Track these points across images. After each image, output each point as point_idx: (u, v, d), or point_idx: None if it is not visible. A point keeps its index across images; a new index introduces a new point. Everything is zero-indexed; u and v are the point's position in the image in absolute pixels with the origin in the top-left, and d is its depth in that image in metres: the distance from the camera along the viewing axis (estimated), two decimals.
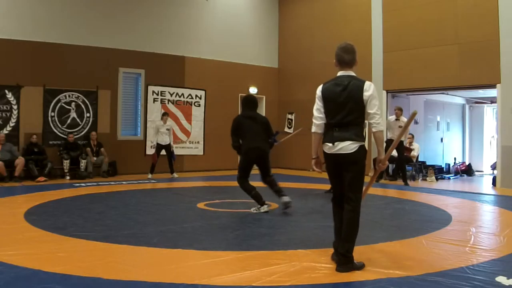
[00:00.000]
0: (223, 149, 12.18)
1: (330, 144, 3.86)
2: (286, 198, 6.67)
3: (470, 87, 11.55)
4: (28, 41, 10.83)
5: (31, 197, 8.02)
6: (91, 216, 6.27)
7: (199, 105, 13.75)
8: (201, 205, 7.30)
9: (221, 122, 12.49)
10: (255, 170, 6.75)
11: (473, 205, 7.88)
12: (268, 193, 6.82)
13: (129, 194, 8.68)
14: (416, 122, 13.25)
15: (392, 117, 11.21)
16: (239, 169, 6.71)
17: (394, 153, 10.56)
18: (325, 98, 3.91)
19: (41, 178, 10.33)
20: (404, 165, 11.00)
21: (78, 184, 9.97)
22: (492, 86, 10.54)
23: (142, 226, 5.65)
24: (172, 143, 11.84)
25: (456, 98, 15.04)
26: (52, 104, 11.27)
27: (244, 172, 6.65)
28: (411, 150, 12.06)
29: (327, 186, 8.48)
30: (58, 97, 11.36)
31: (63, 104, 11.44)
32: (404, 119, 10.85)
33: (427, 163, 12.97)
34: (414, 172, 12.05)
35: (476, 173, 14.14)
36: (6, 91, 10.65)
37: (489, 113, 15.59)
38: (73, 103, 11.57)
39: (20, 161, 10.24)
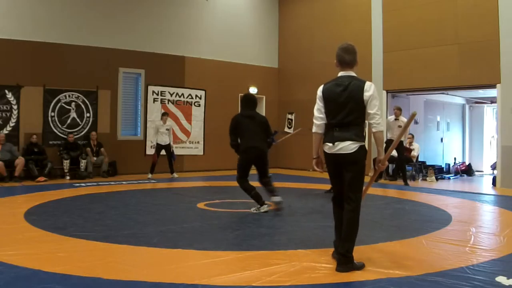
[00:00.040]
0: (223, 149, 12.15)
1: (331, 144, 3.87)
2: (277, 198, 6.64)
3: (470, 87, 11.55)
4: (28, 41, 10.83)
5: (31, 197, 8.02)
6: (91, 216, 6.27)
7: (199, 105, 13.76)
8: (201, 205, 7.30)
9: (221, 122, 12.45)
10: (254, 170, 6.75)
11: (473, 205, 7.88)
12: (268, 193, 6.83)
13: (129, 194, 8.68)
14: (416, 122, 13.25)
15: (391, 117, 11.21)
16: (238, 169, 6.68)
17: (394, 153, 10.57)
18: (325, 98, 3.92)
19: (41, 178, 10.33)
20: (404, 165, 11.00)
21: (78, 184, 9.97)
22: (492, 86, 10.53)
23: (142, 226, 5.64)
24: (172, 143, 11.83)
25: (456, 98, 15.04)
26: (52, 104, 11.27)
27: (243, 172, 6.64)
28: (411, 150, 12.06)
29: (327, 186, 8.49)
30: (58, 97, 11.36)
31: (63, 104, 11.44)
32: (403, 118, 10.85)
33: (427, 163, 12.97)
34: (414, 172, 12.05)
35: (476, 173, 14.14)
36: (6, 91, 10.65)
37: (489, 113, 15.59)
38: (73, 103, 11.57)
39: (20, 161, 10.24)
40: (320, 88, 4.00)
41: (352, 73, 3.93)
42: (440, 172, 13.01)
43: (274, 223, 5.99)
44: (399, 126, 10.64)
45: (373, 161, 4.16)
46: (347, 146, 3.80)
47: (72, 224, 5.62)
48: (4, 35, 10.54)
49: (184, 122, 13.44)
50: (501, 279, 3.55)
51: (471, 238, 5.06)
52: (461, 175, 13.65)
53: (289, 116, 14.93)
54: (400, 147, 10.66)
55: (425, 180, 11.94)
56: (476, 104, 15.73)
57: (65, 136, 11.36)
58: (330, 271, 3.76)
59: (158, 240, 4.85)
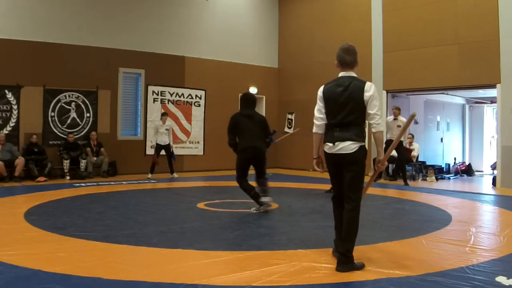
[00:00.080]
0: (223, 149, 12.12)
1: (331, 144, 3.88)
2: (266, 199, 6.60)
3: (470, 87, 11.56)
4: (28, 41, 10.83)
5: (31, 197, 8.02)
6: (91, 216, 6.27)
7: (199, 105, 13.76)
8: (201, 205, 7.30)
9: (221, 122, 12.39)
10: (253, 170, 6.74)
11: (473, 205, 7.88)
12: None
13: (129, 194, 8.68)
14: (416, 122, 13.26)
15: (390, 117, 11.21)
16: (236, 169, 6.66)
17: (394, 153, 10.57)
18: (326, 98, 3.94)
19: (41, 178, 10.33)
20: (404, 165, 11.00)
21: (78, 184, 9.97)
22: (492, 86, 10.54)
23: (142, 226, 5.64)
24: (171, 143, 11.82)
25: (456, 98, 15.04)
26: (52, 104, 11.27)
27: (242, 172, 6.62)
28: (411, 150, 12.05)
29: (327, 186, 8.49)
30: (58, 97, 11.36)
31: (63, 104, 11.44)
32: (402, 118, 10.87)
33: (427, 163, 12.97)
34: (414, 172, 12.05)
35: (476, 173, 14.14)
36: (6, 91, 10.65)
37: (489, 113, 15.59)
38: (73, 103, 11.57)
39: (20, 161, 10.24)
40: (321, 89, 4.02)
41: (353, 74, 3.95)
42: (440, 172, 13.02)
43: (274, 223, 5.99)
44: (398, 126, 10.65)
45: (373, 161, 4.17)
46: (347, 146, 3.81)
47: (72, 224, 5.62)
48: (4, 35, 10.54)
49: (184, 122, 13.45)
50: (501, 279, 3.55)
51: (471, 238, 5.06)
52: (461, 175, 13.65)
53: (289, 116, 14.93)
54: (400, 147, 10.66)
55: (425, 180, 11.94)
56: (476, 104, 15.74)
57: (65, 136, 11.36)
58: (330, 271, 3.76)
59: (158, 240, 4.85)
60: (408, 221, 6.27)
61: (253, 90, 14.47)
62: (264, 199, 6.61)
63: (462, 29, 10.83)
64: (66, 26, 11.35)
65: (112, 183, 10.28)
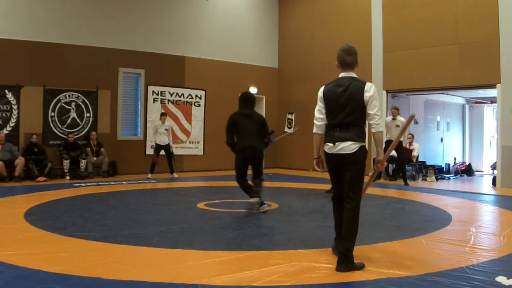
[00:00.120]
0: (223, 149, 12.10)
1: (331, 144, 3.90)
2: (254, 199, 6.53)
3: (470, 87, 11.56)
4: (28, 41, 10.83)
5: (31, 197, 8.02)
6: (91, 216, 6.27)
7: (199, 105, 13.76)
8: (201, 205, 7.30)
9: (221, 122, 12.34)
10: (250, 169, 6.73)
11: (473, 205, 7.88)
12: (268, 193, 6.83)
13: (129, 194, 8.68)
14: (416, 122, 13.26)
15: (389, 118, 11.21)
16: (235, 169, 6.65)
17: (394, 153, 10.57)
18: (326, 99, 3.96)
19: (41, 178, 10.33)
20: (404, 165, 11.00)
21: (78, 184, 9.97)
22: (492, 86, 10.54)
23: (142, 226, 5.64)
24: (171, 143, 11.82)
25: (456, 98, 15.04)
26: (52, 104, 11.27)
27: (241, 172, 6.61)
28: (411, 150, 12.06)
29: (327, 186, 8.48)
30: (58, 97, 11.36)
31: (63, 104, 11.44)
32: (400, 118, 10.88)
33: (427, 163, 12.97)
34: (414, 172, 12.05)
35: (476, 173, 14.14)
36: (6, 91, 10.65)
37: (489, 113, 15.59)
38: (73, 103, 11.57)
39: (20, 161, 10.24)
40: (321, 89, 4.04)
41: (353, 74, 3.97)
42: (440, 172, 13.02)
43: (274, 223, 5.99)
44: (397, 126, 10.68)
45: (373, 161, 4.18)
46: (348, 147, 3.83)
47: (72, 224, 5.62)
48: (4, 35, 10.54)
49: (184, 122, 13.45)
50: (501, 279, 3.55)
51: (471, 238, 5.06)
52: (461, 175, 13.65)
53: (289, 116, 14.93)
54: (400, 147, 10.66)
55: (425, 180, 11.94)
56: (476, 104, 15.74)
57: (65, 136, 11.36)
58: (330, 271, 3.76)
59: (158, 240, 4.85)
60: (408, 221, 6.27)
61: (253, 90, 14.47)
62: (252, 199, 6.54)
63: (462, 29, 10.83)
64: (66, 26, 11.35)
65: (112, 183, 10.28)
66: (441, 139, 14.92)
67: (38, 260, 3.98)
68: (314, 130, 4.04)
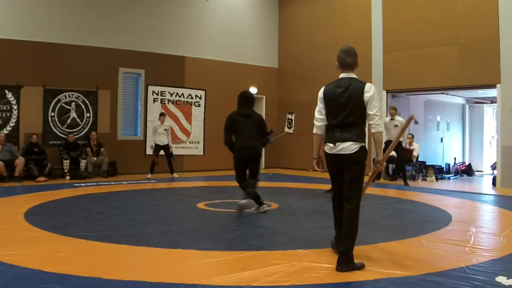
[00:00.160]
0: (223, 149, 12.10)
1: (331, 145, 3.91)
2: (243, 202, 6.52)
3: (470, 87, 11.56)
4: (28, 41, 10.83)
5: (31, 197, 8.01)
6: (91, 216, 6.26)
7: (199, 105, 13.76)
8: (201, 205, 7.30)
9: (221, 122, 12.25)
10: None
11: (473, 205, 7.88)
12: (268, 193, 6.83)
13: (129, 194, 8.68)
14: (416, 122, 13.26)
15: (387, 118, 11.20)
16: (234, 169, 6.63)
17: (394, 153, 10.57)
18: (326, 99, 3.97)
19: (41, 178, 10.33)
20: (404, 165, 11.00)
21: (78, 184, 9.97)
22: (492, 86, 10.54)
23: (142, 226, 5.64)
24: (170, 143, 11.82)
25: (456, 98, 15.04)
26: (52, 104, 11.27)
27: (240, 172, 6.59)
28: (411, 150, 12.06)
29: (327, 186, 8.48)
30: (58, 97, 11.36)
31: (63, 104, 11.44)
32: (399, 118, 10.89)
33: (427, 163, 12.97)
34: (414, 172, 12.06)
35: (476, 173, 14.15)
36: (6, 91, 10.65)
37: (489, 113, 15.60)
38: (73, 103, 11.57)
39: (20, 161, 10.24)
40: (321, 90, 4.05)
41: (353, 75, 3.99)
42: (440, 172, 13.02)
43: (274, 223, 5.99)
44: (396, 126, 10.69)
45: (373, 161, 4.18)
46: (348, 147, 3.84)
47: (72, 224, 5.62)
48: (4, 35, 10.54)
49: (184, 122, 13.45)
50: (501, 279, 3.55)
51: (471, 238, 5.06)
52: (461, 175, 13.65)
53: (289, 116, 14.87)
54: (399, 147, 10.67)
55: (425, 180, 11.94)
56: (476, 104, 15.74)
57: (65, 136, 11.36)
58: (330, 271, 3.76)
59: (158, 240, 4.85)
60: (408, 221, 6.27)
61: (253, 90, 14.47)
62: (241, 201, 6.53)
63: (462, 29, 10.83)
64: (66, 26, 11.35)
65: (112, 183, 10.28)
66: (441, 139, 14.92)
67: (38, 260, 3.98)
68: (314, 130, 4.05)
